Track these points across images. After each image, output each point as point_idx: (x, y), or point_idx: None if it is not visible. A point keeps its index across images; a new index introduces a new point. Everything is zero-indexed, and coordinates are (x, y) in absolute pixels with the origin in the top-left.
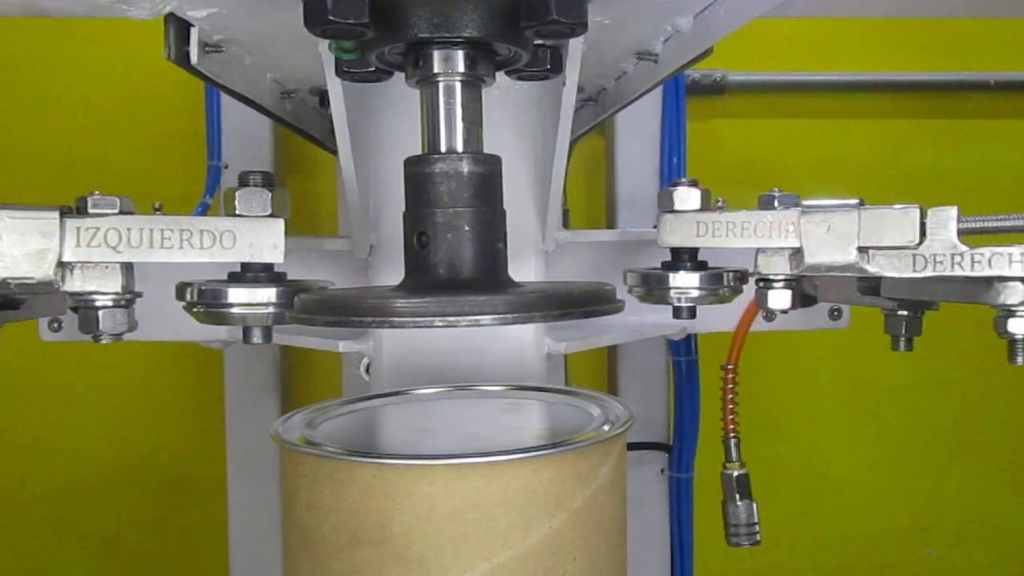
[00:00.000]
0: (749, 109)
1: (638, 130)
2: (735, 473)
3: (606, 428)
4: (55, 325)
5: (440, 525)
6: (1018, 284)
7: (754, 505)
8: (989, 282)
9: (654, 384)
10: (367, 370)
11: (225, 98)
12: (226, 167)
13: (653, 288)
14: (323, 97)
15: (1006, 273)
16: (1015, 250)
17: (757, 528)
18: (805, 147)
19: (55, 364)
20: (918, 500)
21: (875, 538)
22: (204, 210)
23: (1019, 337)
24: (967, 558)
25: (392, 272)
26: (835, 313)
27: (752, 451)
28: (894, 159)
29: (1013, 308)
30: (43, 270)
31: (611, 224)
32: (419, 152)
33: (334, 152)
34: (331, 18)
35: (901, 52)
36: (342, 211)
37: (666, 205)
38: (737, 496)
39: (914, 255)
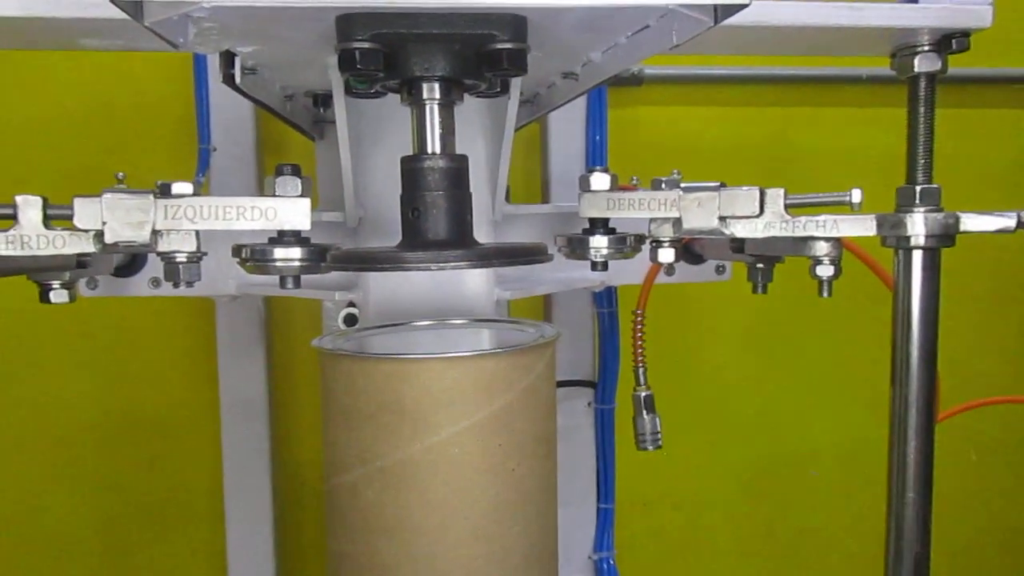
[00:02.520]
0: (663, 98)
1: (567, 119)
2: (642, 394)
3: (540, 338)
4: (92, 284)
5: (436, 397)
6: (822, 242)
7: (657, 418)
8: (805, 240)
9: (582, 332)
10: (344, 321)
11: (212, 89)
12: (214, 150)
13: (576, 248)
14: (315, 98)
15: (815, 234)
16: (820, 219)
17: (659, 435)
18: (711, 131)
19: (55, 327)
20: (804, 429)
21: (769, 462)
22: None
23: (824, 278)
24: (843, 476)
25: (375, 238)
26: (720, 269)
27: (667, 392)
28: (784, 141)
29: (820, 258)
30: (142, 236)
31: (545, 198)
32: (405, 149)
33: (312, 138)
34: (359, 67)
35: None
36: (322, 191)
37: (584, 186)
38: (644, 411)
39: (756, 222)
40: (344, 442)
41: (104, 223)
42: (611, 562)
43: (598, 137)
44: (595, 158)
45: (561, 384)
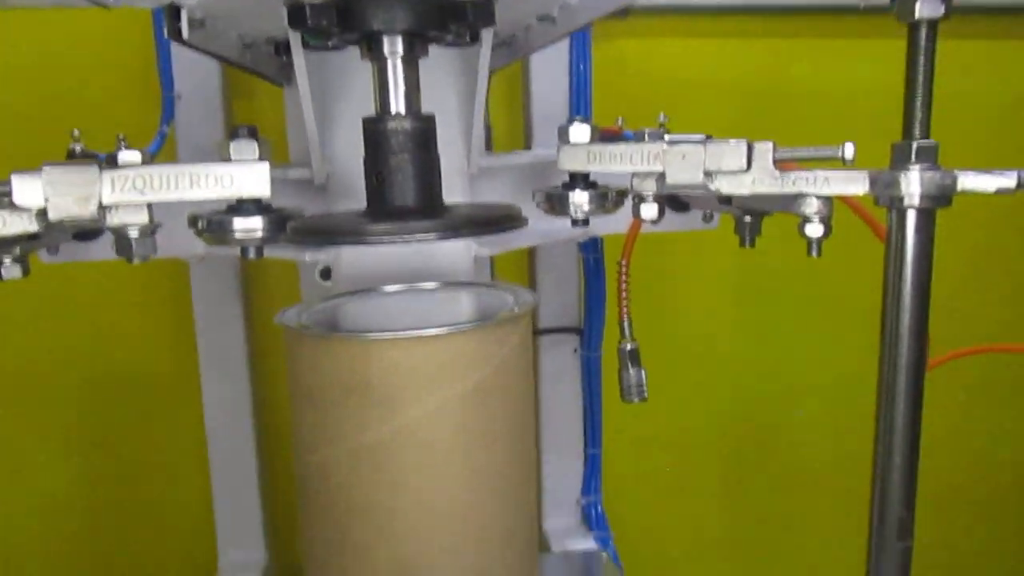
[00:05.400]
0: (651, 30)
1: (549, 58)
2: (627, 347)
3: (515, 309)
4: (53, 250)
5: (404, 377)
6: (813, 199)
7: (643, 371)
8: (795, 197)
9: (567, 278)
10: (321, 275)
11: None
12: (179, 97)
13: (555, 204)
14: (277, 46)
15: (805, 190)
16: (811, 174)
17: (644, 388)
18: (701, 65)
19: (29, 289)
20: (791, 369)
21: (756, 403)
22: (163, 139)
23: (814, 238)
24: (829, 416)
25: (344, 198)
26: (707, 216)
27: (654, 335)
28: (778, 75)
29: (809, 216)
30: (89, 211)
31: (528, 143)
32: (369, 101)
33: (279, 84)
34: (309, 23)
35: None
36: (292, 142)
37: (564, 139)
38: (629, 364)
39: (743, 177)
40: (311, 422)
41: (47, 199)
42: (599, 507)
43: (583, 73)
44: (579, 98)
45: (547, 331)
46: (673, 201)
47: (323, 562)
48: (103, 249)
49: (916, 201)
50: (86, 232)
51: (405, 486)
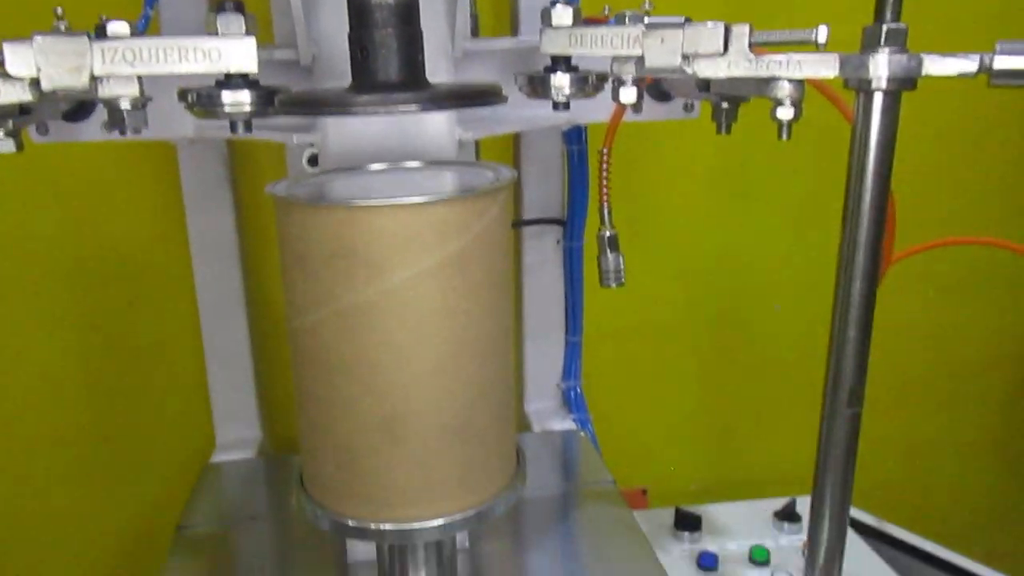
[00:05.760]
0: None
1: None
2: (607, 233)
3: (495, 182)
4: (43, 129)
5: (389, 241)
6: (785, 82)
7: (620, 257)
8: (768, 81)
9: (551, 170)
10: (309, 161)
11: None
12: None
13: (537, 87)
14: None
15: (779, 74)
16: (783, 57)
17: (622, 273)
18: None
19: (25, 172)
20: (769, 265)
21: (734, 296)
22: (147, 22)
23: (784, 121)
24: (806, 310)
25: (330, 78)
26: (688, 107)
27: (635, 227)
28: None
29: (781, 99)
30: (81, 81)
31: (515, 29)
32: None
33: None
34: None
35: None
36: (277, 24)
37: (546, 22)
38: (608, 250)
39: (719, 61)
40: (301, 287)
41: (39, 69)
42: (578, 390)
43: None
44: None
45: (529, 222)
46: (654, 90)
47: (315, 418)
48: (92, 130)
49: (883, 84)
50: (76, 112)
51: (390, 344)
